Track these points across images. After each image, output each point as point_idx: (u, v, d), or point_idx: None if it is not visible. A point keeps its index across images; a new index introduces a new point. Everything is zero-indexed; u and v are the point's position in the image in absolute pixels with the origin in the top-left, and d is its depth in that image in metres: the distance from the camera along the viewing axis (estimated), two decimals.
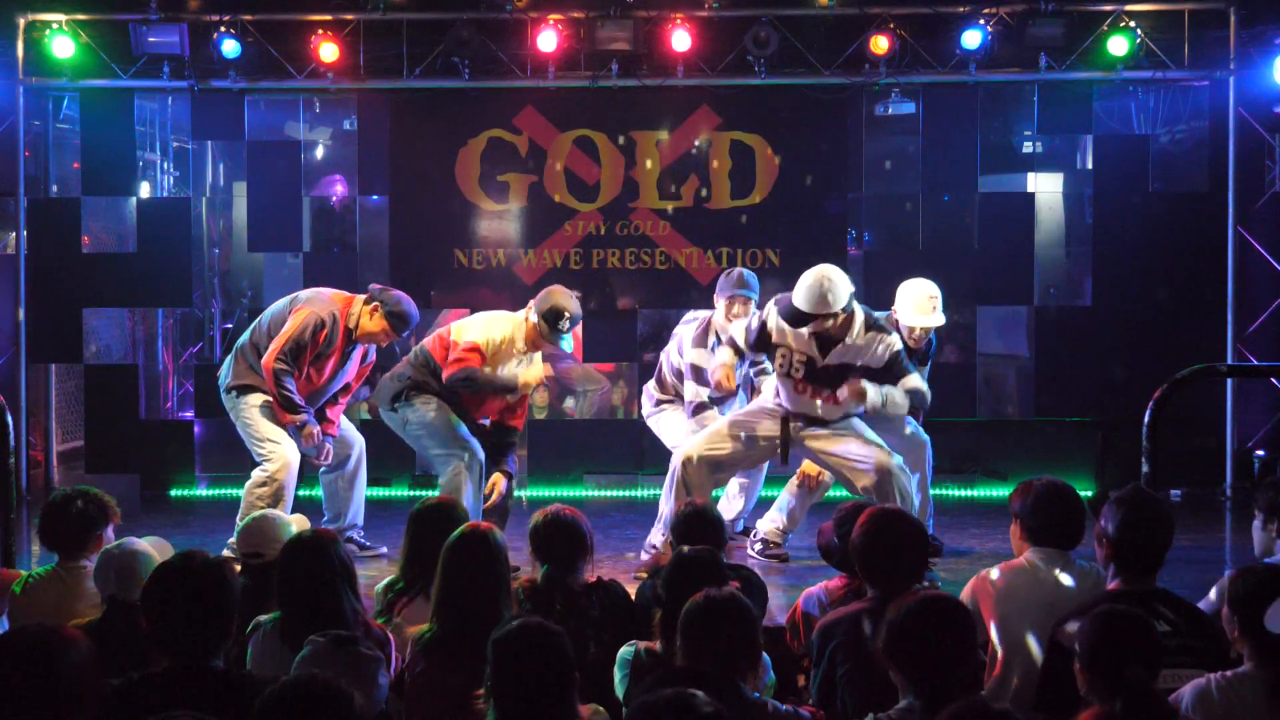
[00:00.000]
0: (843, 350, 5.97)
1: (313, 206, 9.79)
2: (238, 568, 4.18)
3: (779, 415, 6.20)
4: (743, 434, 6.22)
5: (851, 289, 5.97)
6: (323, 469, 6.85)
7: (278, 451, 6.50)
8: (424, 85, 9.06)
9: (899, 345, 6.03)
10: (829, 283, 5.84)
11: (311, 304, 6.60)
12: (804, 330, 5.95)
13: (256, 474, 6.53)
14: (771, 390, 6.36)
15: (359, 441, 6.87)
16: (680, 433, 6.81)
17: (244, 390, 6.60)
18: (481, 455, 6.43)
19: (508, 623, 3.27)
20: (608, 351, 9.58)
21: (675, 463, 6.25)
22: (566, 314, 6.35)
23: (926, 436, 6.75)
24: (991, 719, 2.84)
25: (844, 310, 5.90)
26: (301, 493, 7.74)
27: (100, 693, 3.01)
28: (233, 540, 6.35)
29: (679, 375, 6.88)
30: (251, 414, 6.58)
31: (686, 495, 6.06)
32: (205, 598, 3.32)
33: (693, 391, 6.78)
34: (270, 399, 6.53)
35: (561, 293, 6.45)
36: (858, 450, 6.09)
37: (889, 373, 5.97)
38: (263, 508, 6.26)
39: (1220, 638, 3.64)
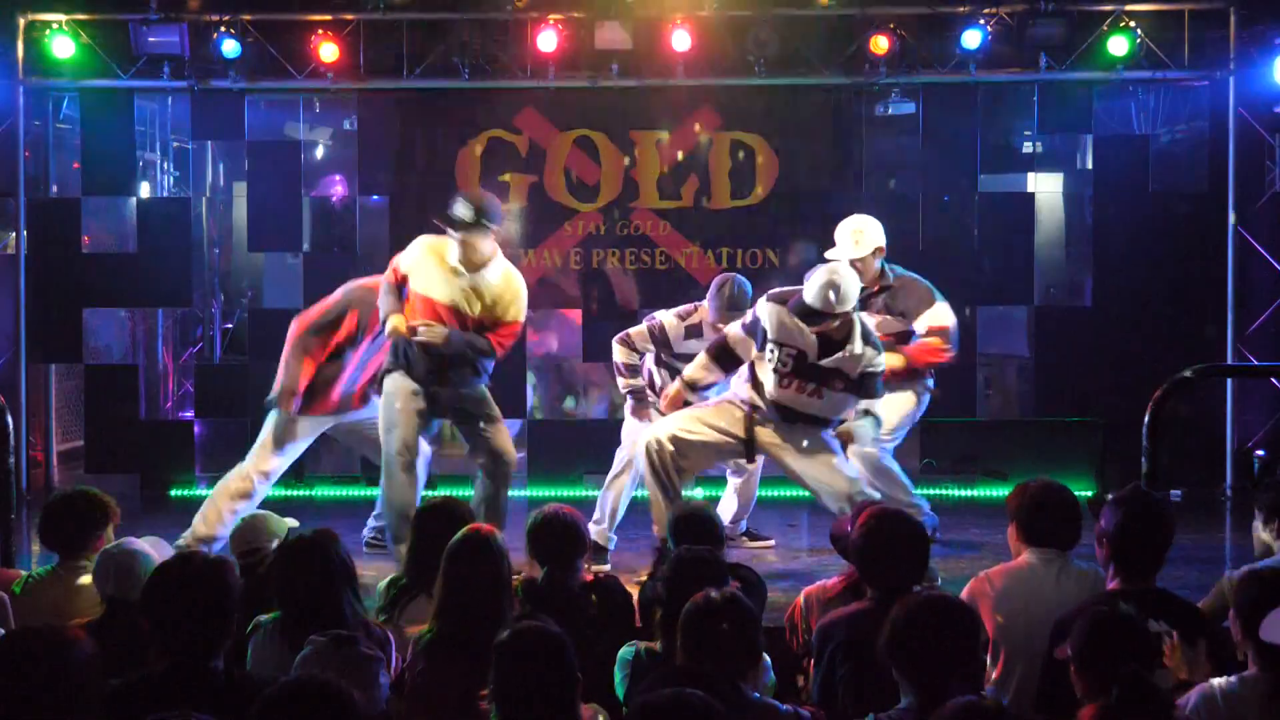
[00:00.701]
0: (841, 357, 5.87)
1: (313, 206, 9.79)
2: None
3: (744, 411, 6.09)
4: (709, 423, 6.11)
5: (859, 291, 5.95)
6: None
7: (264, 463, 6.49)
8: (424, 85, 9.06)
9: (881, 367, 5.97)
10: (842, 281, 5.81)
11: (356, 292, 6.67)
12: (809, 328, 5.90)
13: (240, 466, 6.54)
14: (739, 382, 6.31)
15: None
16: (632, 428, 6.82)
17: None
18: (420, 463, 6.31)
19: (511, 626, 3.27)
20: (608, 351, 9.56)
21: (640, 449, 6.10)
22: (456, 201, 6.16)
23: (892, 463, 6.72)
24: (987, 717, 2.84)
25: (852, 310, 5.88)
26: (311, 492, 7.72)
27: (102, 692, 3.02)
28: (189, 536, 6.33)
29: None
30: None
31: (664, 483, 5.97)
32: (205, 598, 3.32)
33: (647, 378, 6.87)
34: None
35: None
36: (826, 476, 5.99)
37: (861, 388, 5.93)
38: (226, 500, 6.36)
39: (1219, 638, 3.64)
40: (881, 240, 6.68)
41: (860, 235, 6.64)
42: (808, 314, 5.85)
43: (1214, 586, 4.39)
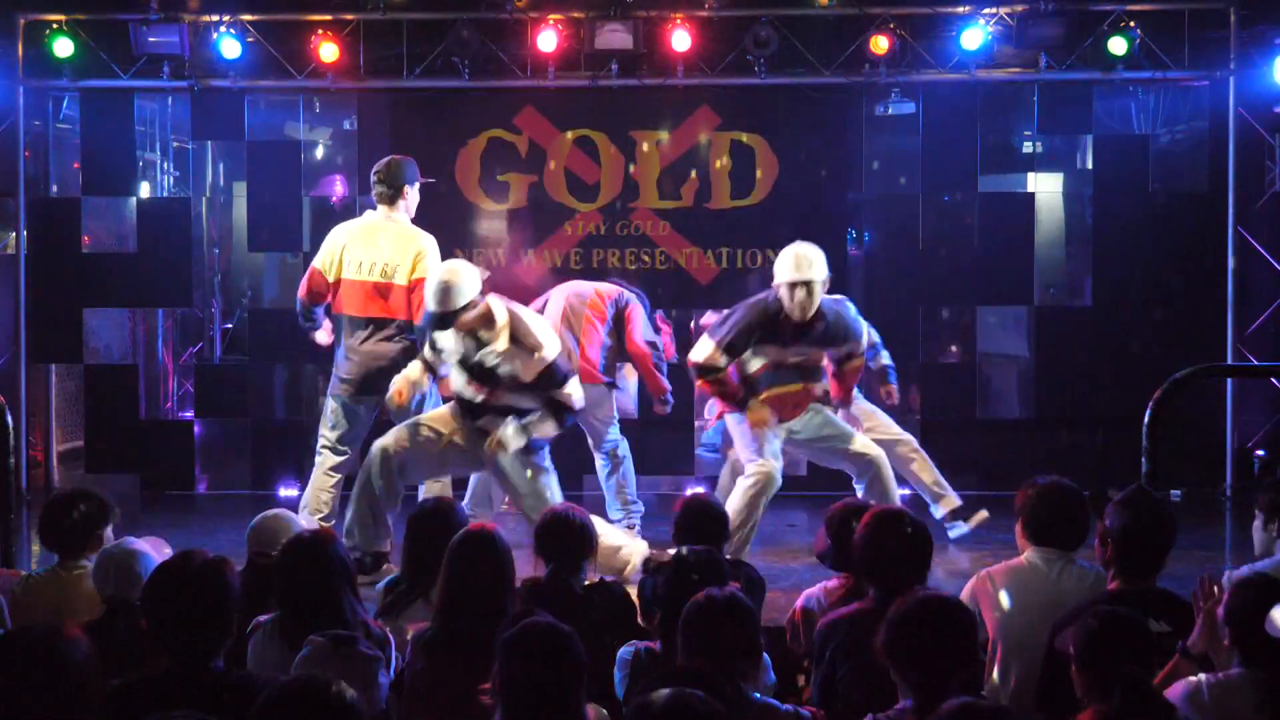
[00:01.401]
0: (490, 352, 5.94)
1: (313, 206, 9.78)
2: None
3: (457, 413, 6.18)
4: (428, 429, 6.17)
5: (478, 281, 5.91)
6: None
7: None
8: (424, 85, 9.05)
9: (550, 357, 5.94)
10: (455, 276, 5.83)
11: None
12: (450, 333, 5.95)
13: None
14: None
15: None
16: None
17: None
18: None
19: (517, 622, 3.27)
20: None
21: (371, 451, 6.17)
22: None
23: (878, 450, 6.69)
24: (984, 717, 2.84)
25: (475, 300, 5.84)
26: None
27: (101, 692, 3.01)
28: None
29: None
30: None
31: (371, 490, 6.04)
32: (205, 598, 3.32)
33: None
34: None
35: None
36: (524, 488, 6.12)
37: (542, 385, 5.95)
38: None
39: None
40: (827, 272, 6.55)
41: (814, 262, 6.42)
42: (436, 320, 5.92)
43: None
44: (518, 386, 5.97)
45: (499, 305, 5.99)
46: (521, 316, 6.05)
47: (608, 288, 7.29)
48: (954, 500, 7.13)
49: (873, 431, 7.11)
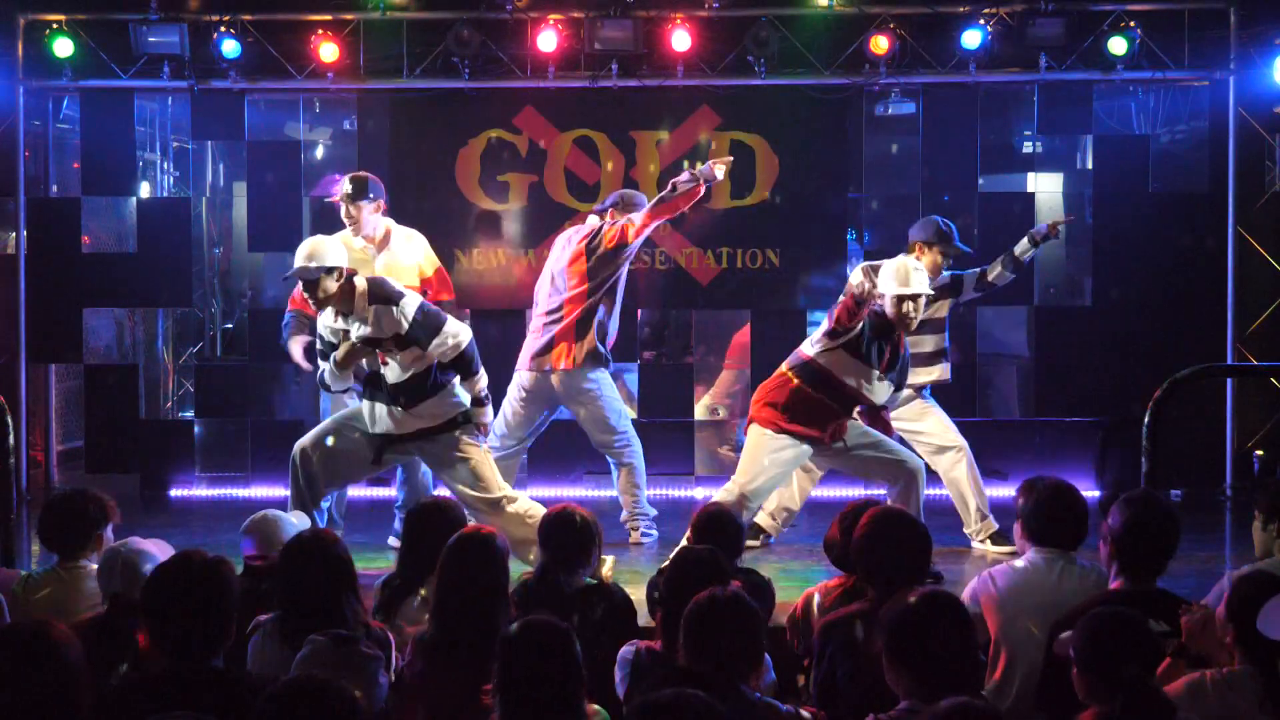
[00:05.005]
0: (357, 323, 5.86)
1: (313, 206, 9.78)
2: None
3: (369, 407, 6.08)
4: (346, 426, 6.13)
5: (343, 253, 5.91)
6: None
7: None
8: (424, 85, 9.05)
9: (411, 311, 5.82)
10: (319, 242, 5.87)
11: None
12: (329, 314, 5.91)
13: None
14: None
15: None
16: None
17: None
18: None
19: (517, 621, 3.28)
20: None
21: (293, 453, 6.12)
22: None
23: (917, 461, 6.57)
24: (980, 717, 2.83)
25: (330, 269, 5.79)
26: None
27: (91, 690, 3.02)
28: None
29: None
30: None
31: (298, 489, 6.02)
32: (204, 598, 3.32)
33: None
34: None
35: None
36: (465, 478, 6.03)
37: (415, 342, 5.83)
38: None
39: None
40: None
41: (917, 276, 6.21)
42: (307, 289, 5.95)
43: (1214, 586, 4.39)
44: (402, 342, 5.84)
45: (360, 277, 5.93)
46: (381, 278, 6.04)
47: (580, 230, 7.20)
48: (992, 525, 6.97)
49: (921, 435, 7.03)
